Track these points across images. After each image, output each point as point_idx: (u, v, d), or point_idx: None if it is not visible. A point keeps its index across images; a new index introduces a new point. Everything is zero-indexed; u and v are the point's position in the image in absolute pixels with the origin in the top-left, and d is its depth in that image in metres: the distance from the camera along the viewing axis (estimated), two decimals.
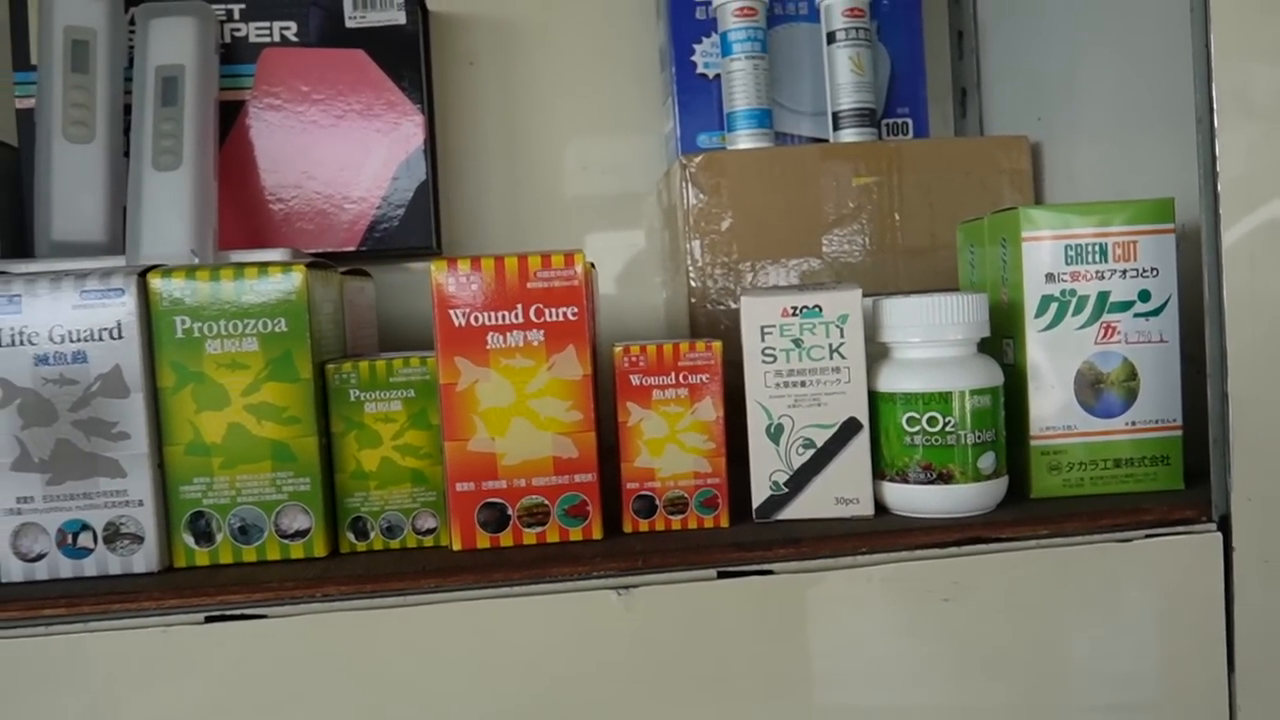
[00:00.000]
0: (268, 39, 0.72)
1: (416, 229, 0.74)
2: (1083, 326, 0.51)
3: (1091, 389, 0.51)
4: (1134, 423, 0.51)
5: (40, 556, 0.45)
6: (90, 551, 0.45)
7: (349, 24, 0.73)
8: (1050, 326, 0.51)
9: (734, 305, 0.68)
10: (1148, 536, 0.48)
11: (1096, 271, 0.50)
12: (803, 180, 0.70)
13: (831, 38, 0.74)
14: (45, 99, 0.65)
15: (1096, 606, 0.47)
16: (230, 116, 0.72)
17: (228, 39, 0.72)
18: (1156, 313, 0.51)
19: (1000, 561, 0.47)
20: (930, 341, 0.48)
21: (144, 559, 0.45)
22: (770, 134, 0.73)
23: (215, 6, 0.71)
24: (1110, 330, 0.51)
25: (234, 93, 0.72)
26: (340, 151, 0.73)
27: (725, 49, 0.73)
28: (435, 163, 0.77)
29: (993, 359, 0.50)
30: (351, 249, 0.73)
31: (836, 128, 0.74)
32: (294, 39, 0.72)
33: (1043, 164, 0.73)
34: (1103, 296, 0.51)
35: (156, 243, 0.63)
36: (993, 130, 0.81)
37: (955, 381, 0.48)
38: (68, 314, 0.44)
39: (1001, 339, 0.53)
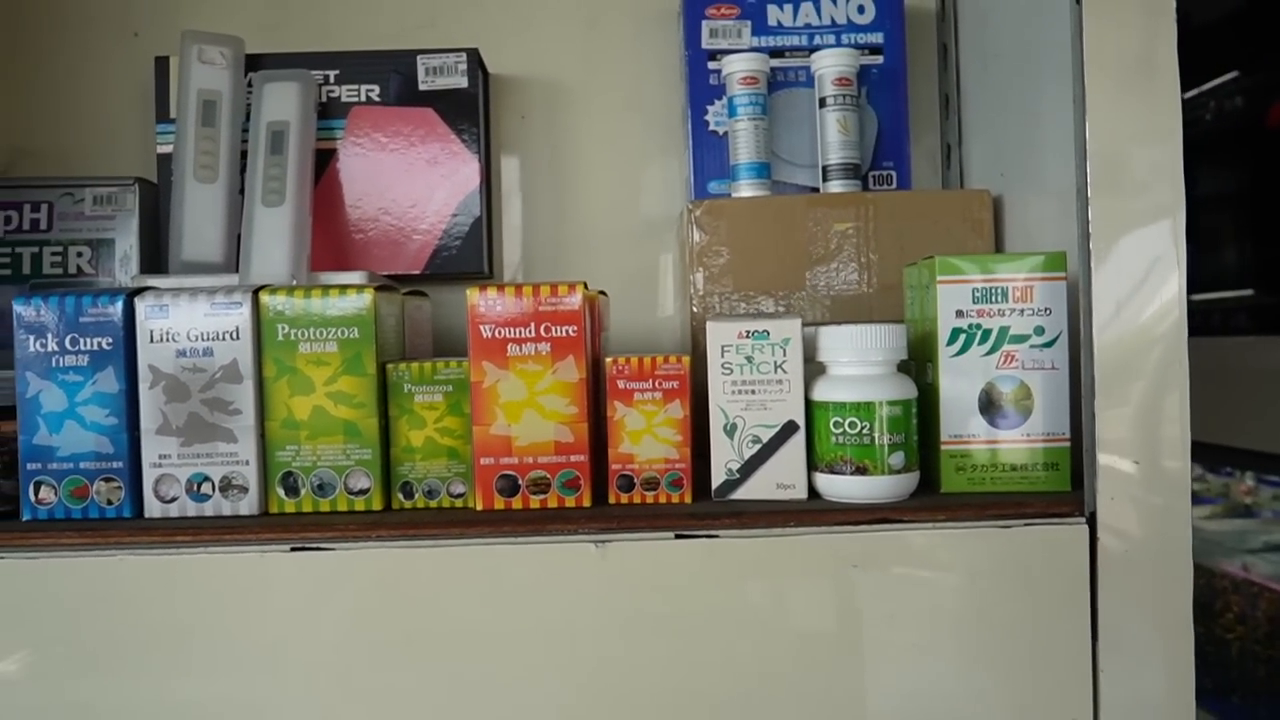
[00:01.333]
0: (356, 99, 0.88)
1: (472, 256, 0.89)
2: (987, 354, 0.63)
3: (993, 405, 0.63)
4: (1029, 434, 0.63)
5: (173, 499, 0.60)
6: (210, 497, 0.60)
7: (421, 87, 0.88)
8: (959, 353, 0.63)
9: None
10: (1026, 525, 0.60)
11: (999, 310, 0.63)
12: (791, 224, 0.83)
13: (823, 103, 0.87)
14: (180, 146, 0.82)
15: (980, 579, 0.59)
16: (324, 162, 0.88)
17: (324, 99, 0.88)
18: (1050, 345, 0.63)
19: (901, 538, 0.59)
20: (856, 361, 0.61)
21: (248, 505, 0.60)
22: (768, 183, 0.87)
23: (315, 73, 0.87)
24: (1010, 358, 0.63)
25: (327, 142, 0.88)
26: (411, 192, 0.88)
27: (731, 111, 0.87)
28: (489, 201, 0.92)
29: (908, 377, 0.62)
30: (417, 272, 0.88)
31: (825, 179, 0.87)
32: (377, 99, 0.88)
33: (1004, 215, 0.85)
34: (1003, 330, 0.63)
35: (263, 263, 0.79)
36: (970, 184, 0.93)
37: (875, 394, 0.60)
38: (201, 319, 0.60)
39: (925, 362, 0.65)
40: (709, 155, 0.90)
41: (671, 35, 0.97)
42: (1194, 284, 0.59)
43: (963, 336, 0.63)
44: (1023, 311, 0.63)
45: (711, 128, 0.90)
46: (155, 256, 0.86)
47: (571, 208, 0.97)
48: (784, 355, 0.61)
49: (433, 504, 0.62)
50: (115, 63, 0.95)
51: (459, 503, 0.62)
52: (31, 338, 0.60)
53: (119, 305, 0.60)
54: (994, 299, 0.63)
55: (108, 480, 0.60)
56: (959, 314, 0.63)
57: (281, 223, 0.80)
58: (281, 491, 0.61)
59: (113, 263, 0.84)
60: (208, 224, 0.82)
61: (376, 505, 0.61)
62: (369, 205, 0.88)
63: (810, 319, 0.81)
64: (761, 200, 0.85)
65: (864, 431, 0.60)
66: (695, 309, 0.82)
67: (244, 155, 0.84)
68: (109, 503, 0.60)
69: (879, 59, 0.91)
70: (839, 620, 0.59)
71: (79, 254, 0.84)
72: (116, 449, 0.60)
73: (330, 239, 0.88)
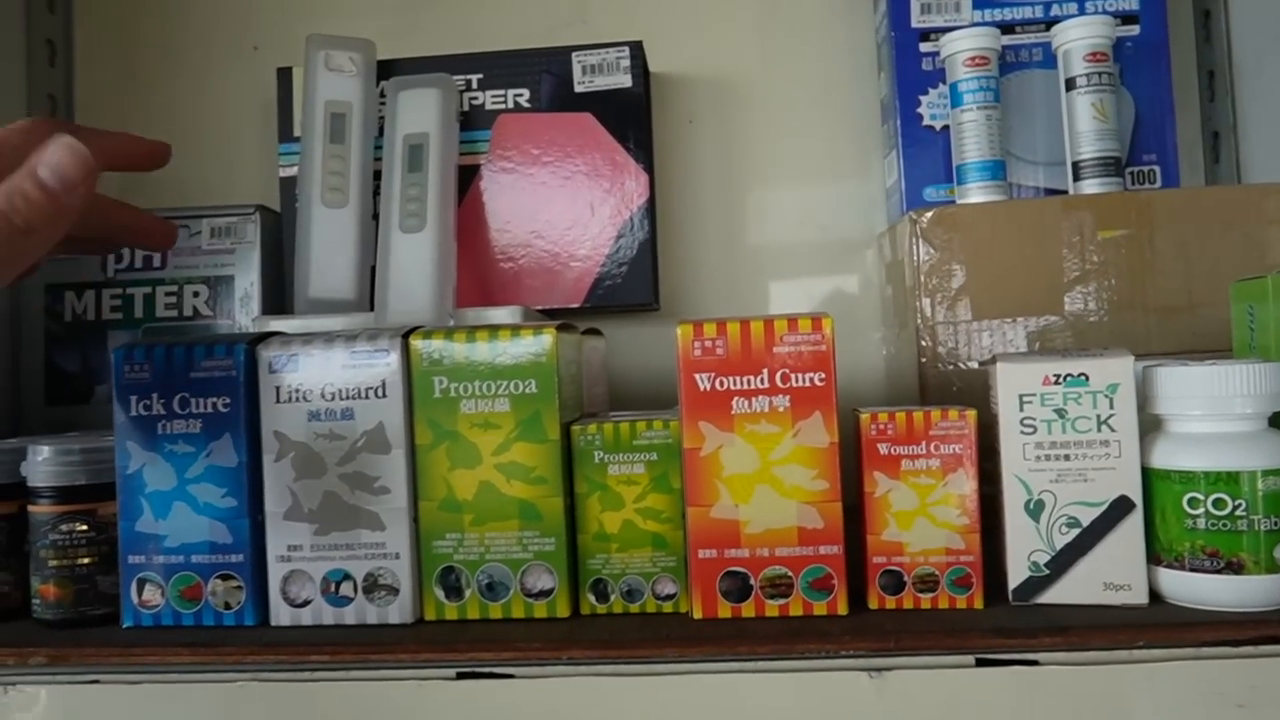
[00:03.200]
0: (503, 106, 0.75)
1: (638, 286, 0.75)
2: None
3: None
4: None
5: (306, 603, 0.47)
6: (351, 600, 0.47)
7: (578, 89, 0.75)
8: None
9: (965, 366, 0.65)
10: None
11: None
12: (1042, 234, 0.66)
13: (1071, 84, 0.70)
14: (306, 167, 0.70)
15: None
16: (467, 179, 0.75)
17: (466, 107, 0.75)
18: None
19: None
20: (1214, 415, 0.44)
21: (399, 610, 0.47)
22: (1004, 186, 0.70)
23: (456, 77, 0.75)
24: None
25: (471, 157, 0.75)
26: (568, 211, 0.75)
27: (955, 100, 0.71)
28: (655, 220, 0.78)
29: None
30: (576, 305, 0.74)
31: (1077, 178, 0.70)
32: (526, 105, 0.75)
33: None
34: None
35: (402, 300, 0.66)
36: (1251, 177, 0.75)
37: (1245, 460, 0.43)
38: (338, 373, 0.47)
39: None
40: (924, 155, 0.74)
41: (863, 17, 0.82)
42: None
43: None
44: None
45: (926, 122, 0.74)
46: (279, 294, 0.75)
47: (747, 226, 0.83)
48: (1111, 408, 0.45)
49: (634, 608, 0.47)
50: (233, 80, 0.84)
51: (668, 607, 0.47)
52: (133, 399, 0.47)
53: (238, 357, 0.47)
54: None
55: (225, 578, 0.47)
56: None
57: (422, 251, 0.68)
58: (440, 592, 0.47)
59: (232, 303, 0.73)
60: (338, 255, 0.70)
61: (562, 611, 0.47)
62: (519, 229, 0.75)
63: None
64: (1005, 206, 0.68)
65: (1234, 513, 0.43)
66: (924, 342, 0.66)
67: (377, 175, 0.71)
68: (226, 606, 0.47)
69: (1134, 29, 0.74)
70: None
71: (195, 293, 0.73)
72: (236, 538, 0.47)
73: (475, 269, 0.75)
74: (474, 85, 0.76)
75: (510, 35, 0.82)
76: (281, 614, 0.47)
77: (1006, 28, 0.74)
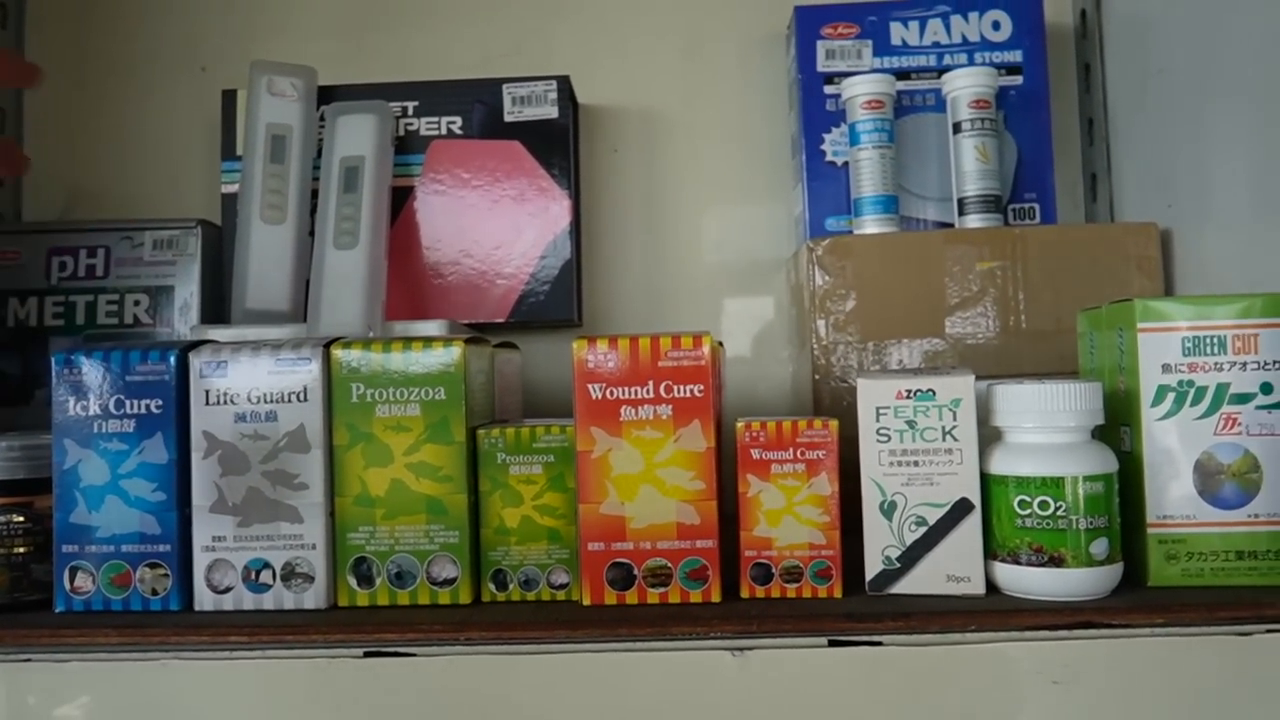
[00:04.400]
0: (436, 132, 0.80)
1: (560, 303, 0.80)
2: (1201, 417, 0.51)
3: (1212, 479, 0.51)
4: (1256, 515, 0.51)
5: (228, 589, 0.51)
6: (269, 587, 0.51)
7: (507, 118, 0.80)
8: (1167, 416, 0.52)
9: (854, 383, 0.71)
10: (1269, 631, 0.48)
11: (1215, 363, 0.51)
12: (926, 264, 0.72)
13: (957, 128, 0.77)
14: (247, 185, 0.75)
15: (1214, 700, 0.47)
16: (401, 200, 0.80)
17: (402, 132, 0.80)
18: None
19: (1112, 648, 0.48)
20: (1043, 428, 0.50)
21: (314, 596, 0.51)
22: (896, 219, 0.77)
23: (393, 104, 0.79)
24: (1231, 422, 0.51)
25: (405, 179, 0.80)
26: (495, 232, 0.80)
27: (853, 139, 0.77)
28: (579, 242, 0.83)
29: (1107, 446, 0.51)
30: (501, 320, 0.79)
31: (962, 213, 0.77)
32: (459, 132, 0.80)
33: (1173, 251, 0.74)
34: (1222, 388, 0.51)
35: (334, 312, 0.71)
36: (1124, 216, 0.82)
37: (1068, 468, 0.49)
38: (264, 378, 0.51)
39: (1119, 426, 0.54)
40: (826, 189, 0.80)
41: (778, 59, 0.88)
42: None
43: (1171, 395, 0.52)
44: (1245, 365, 0.51)
45: (829, 158, 0.81)
46: (218, 305, 0.79)
47: (667, 249, 0.88)
48: (954, 420, 0.50)
49: (530, 596, 0.52)
50: (180, 99, 0.88)
51: (561, 595, 0.52)
52: (71, 399, 0.51)
53: (171, 362, 0.52)
54: (1208, 350, 0.52)
55: (153, 566, 0.51)
56: (1166, 368, 0.52)
57: (354, 267, 0.72)
58: (353, 581, 0.51)
59: (172, 312, 0.77)
60: (274, 269, 0.74)
61: (464, 598, 0.51)
62: (449, 247, 0.80)
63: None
64: (892, 237, 0.75)
65: (1058, 513, 0.49)
66: (818, 360, 0.72)
67: (315, 194, 0.76)
68: (154, 593, 0.51)
69: (1018, 79, 0.81)
70: None
71: (136, 302, 0.77)
72: (164, 529, 0.51)
73: (406, 285, 0.80)
74: (410, 112, 0.81)
75: (450, 64, 0.87)
76: (205, 600, 0.51)
77: (904, 74, 0.81)
